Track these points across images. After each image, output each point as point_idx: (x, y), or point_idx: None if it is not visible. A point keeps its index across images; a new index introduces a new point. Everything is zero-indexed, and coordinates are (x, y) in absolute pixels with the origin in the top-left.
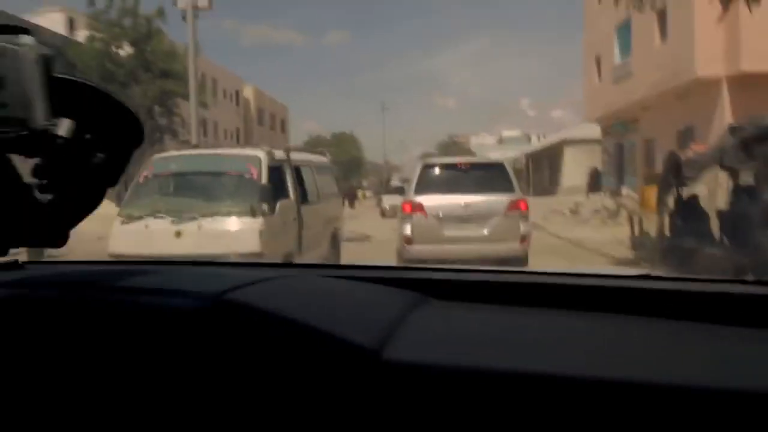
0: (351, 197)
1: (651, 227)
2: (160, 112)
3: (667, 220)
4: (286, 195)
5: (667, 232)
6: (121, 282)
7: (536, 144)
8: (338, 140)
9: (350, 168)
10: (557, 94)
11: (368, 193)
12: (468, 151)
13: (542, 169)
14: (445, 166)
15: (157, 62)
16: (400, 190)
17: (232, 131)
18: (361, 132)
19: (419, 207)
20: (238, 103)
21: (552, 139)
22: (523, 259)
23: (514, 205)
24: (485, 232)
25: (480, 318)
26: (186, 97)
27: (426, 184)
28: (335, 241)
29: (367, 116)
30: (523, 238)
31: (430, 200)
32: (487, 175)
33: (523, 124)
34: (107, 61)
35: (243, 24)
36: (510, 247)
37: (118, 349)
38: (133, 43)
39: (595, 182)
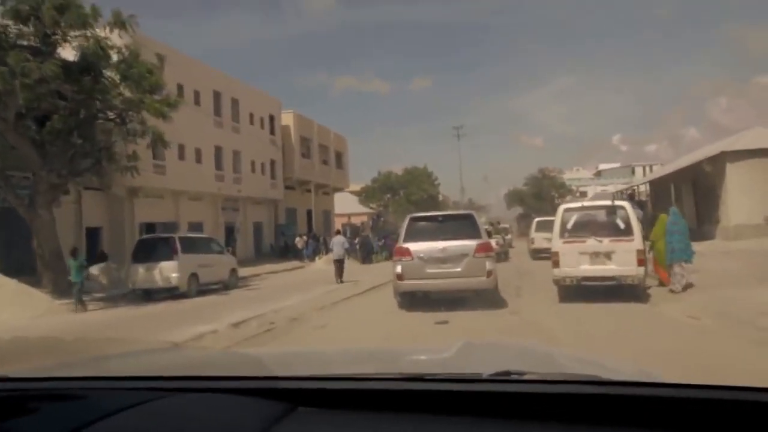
0: None
1: None
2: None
3: None
4: None
5: None
6: None
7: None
8: (411, 176)
9: (427, 207)
10: (650, 128)
11: None
12: (561, 185)
13: (683, 199)
14: (426, 219)
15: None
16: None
17: (263, 163)
18: (440, 169)
19: (407, 251)
20: (273, 132)
21: (698, 154)
22: (491, 291)
23: (481, 248)
24: (459, 269)
25: (346, 427)
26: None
27: (412, 234)
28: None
29: (447, 155)
30: (489, 273)
31: (415, 246)
32: (460, 225)
33: (616, 159)
34: None
35: (332, 76)
36: (479, 280)
37: None
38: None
39: None
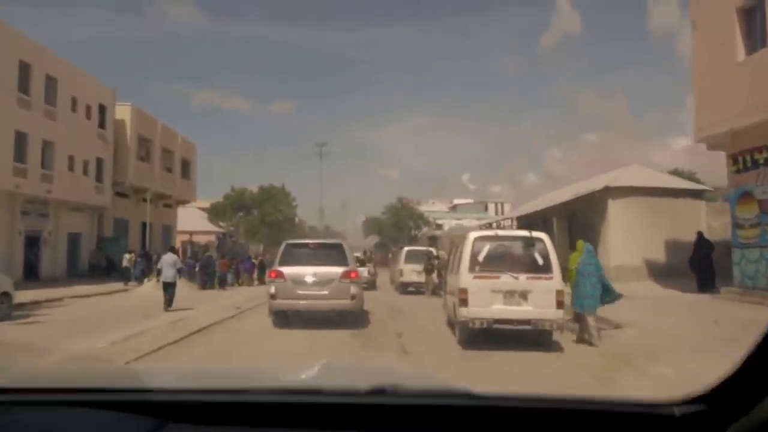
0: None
1: None
2: None
3: None
4: None
5: None
6: None
7: (493, 212)
8: (267, 194)
9: (283, 230)
10: (495, 170)
11: None
12: (419, 216)
13: (556, 234)
14: (300, 246)
15: None
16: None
17: (86, 161)
18: (298, 193)
19: (281, 274)
20: (103, 125)
21: (576, 188)
22: (354, 312)
23: (346, 275)
24: (326, 292)
25: None
26: None
27: (287, 258)
28: None
29: (306, 180)
30: (353, 297)
31: (288, 270)
32: (330, 252)
33: (465, 195)
34: None
35: (194, 89)
36: (343, 302)
37: None
38: None
39: (703, 262)
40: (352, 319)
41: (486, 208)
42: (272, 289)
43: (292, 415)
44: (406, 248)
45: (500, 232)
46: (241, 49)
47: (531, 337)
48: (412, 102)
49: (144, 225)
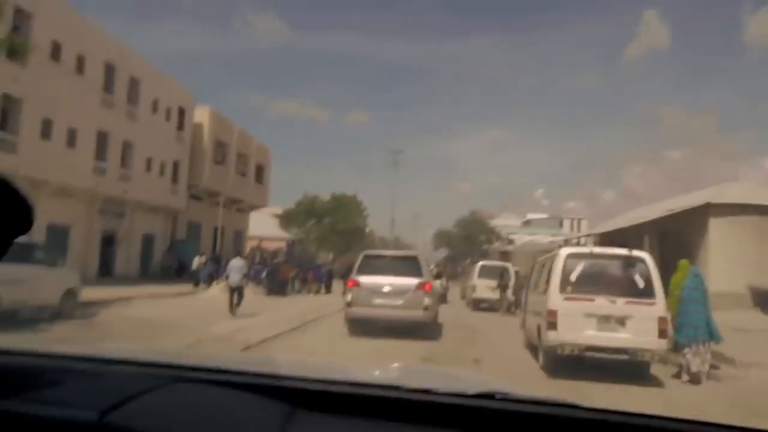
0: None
1: None
2: None
3: None
4: None
5: None
6: (24, 385)
7: (568, 228)
8: (338, 203)
9: (353, 239)
10: (570, 186)
11: None
12: (491, 230)
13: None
14: (378, 256)
15: None
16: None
17: (162, 163)
18: (369, 204)
19: (357, 283)
20: (181, 127)
21: (670, 204)
22: (428, 323)
23: (420, 286)
24: (401, 302)
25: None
26: None
27: (364, 268)
28: None
29: (377, 191)
30: (426, 308)
31: (365, 279)
32: (406, 264)
33: (537, 211)
34: None
35: (273, 98)
36: (417, 313)
37: None
38: None
39: None
40: (425, 330)
41: (561, 224)
42: (349, 297)
43: (406, 412)
44: (480, 263)
45: (595, 250)
46: (322, 60)
47: (624, 369)
48: (488, 115)
49: (216, 229)
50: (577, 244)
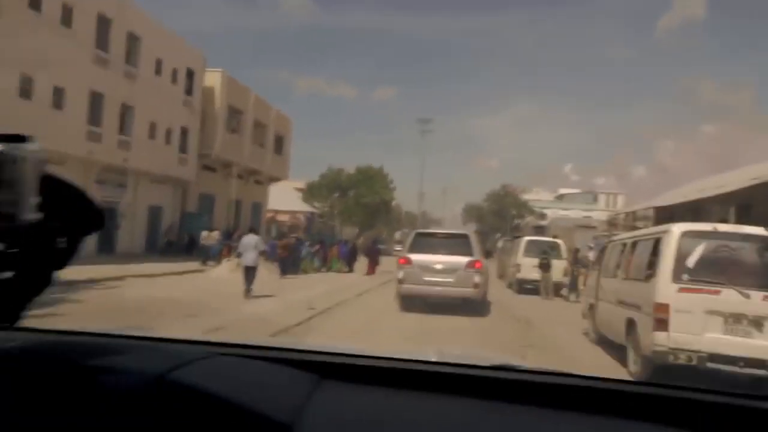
0: (374, 256)
1: None
2: None
3: None
4: None
5: None
6: (83, 356)
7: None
8: (364, 175)
9: (378, 214)
10: (600, 161)
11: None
12: (523, 205)
13: None
14: (429, 235)
15: None
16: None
17: (169, 129)
18: (397, 178)
19: (409, 261)
20: (190, 92)
21: (748, 172)
22: (476, 300)
23: (471, 264)
24: (451, 279)
25: (370, 402)
26: None
27: (415, 246)
28: None
29: (404, 164)
30: (476, 285)
31: (417, 257)
32: (456, 242)
33: (567, 187)
34: None
35: (299, 75)
36: (466, 290)
37: (69, 424)
38: None
39: None
40: (475, 307)
41: (595, 199)
42: (400, 275)
43: (427, 381)
44: (526, 238)
45: (720, 227)
46: (348, 37)
47: (749, 385)
48: (517, 91)
49: (231, 201)
50: (625, 219)
